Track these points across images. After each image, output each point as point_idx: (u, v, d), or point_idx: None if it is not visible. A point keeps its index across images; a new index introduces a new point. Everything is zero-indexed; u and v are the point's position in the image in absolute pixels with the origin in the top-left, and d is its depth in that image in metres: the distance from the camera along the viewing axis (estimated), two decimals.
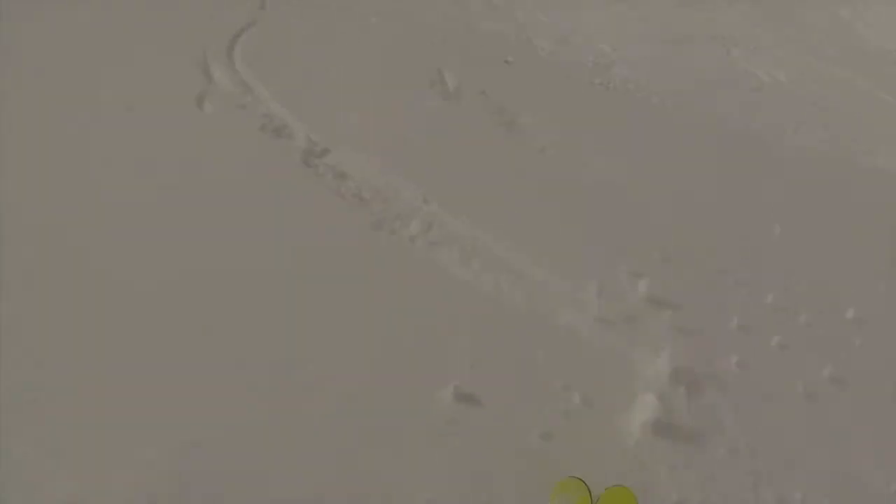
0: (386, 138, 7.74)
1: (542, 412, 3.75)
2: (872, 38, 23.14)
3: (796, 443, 3.76)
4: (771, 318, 4.95)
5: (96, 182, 6.00)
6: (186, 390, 3.63)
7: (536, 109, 9.88)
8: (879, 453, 3.76)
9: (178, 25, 12.86)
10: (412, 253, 5.53)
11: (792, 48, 21.09)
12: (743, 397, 4.08)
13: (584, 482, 3.01)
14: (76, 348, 3.87)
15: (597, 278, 5.26)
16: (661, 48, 18.93)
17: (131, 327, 4.04)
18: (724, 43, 20.61)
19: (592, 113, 11.17)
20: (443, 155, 7.52)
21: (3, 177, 5.70)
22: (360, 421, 3.51)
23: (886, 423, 4.08)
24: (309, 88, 9.33)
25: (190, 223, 5.48)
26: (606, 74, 15.58)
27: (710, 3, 23.92)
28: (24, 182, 5.68)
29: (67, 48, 11.12)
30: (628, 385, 4.02)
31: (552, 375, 4.07)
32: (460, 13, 19.46)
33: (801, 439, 3.79)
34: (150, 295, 4.33)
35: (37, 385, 3.46)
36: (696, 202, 7.23)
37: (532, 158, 8.03)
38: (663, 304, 4.95)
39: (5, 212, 4.99)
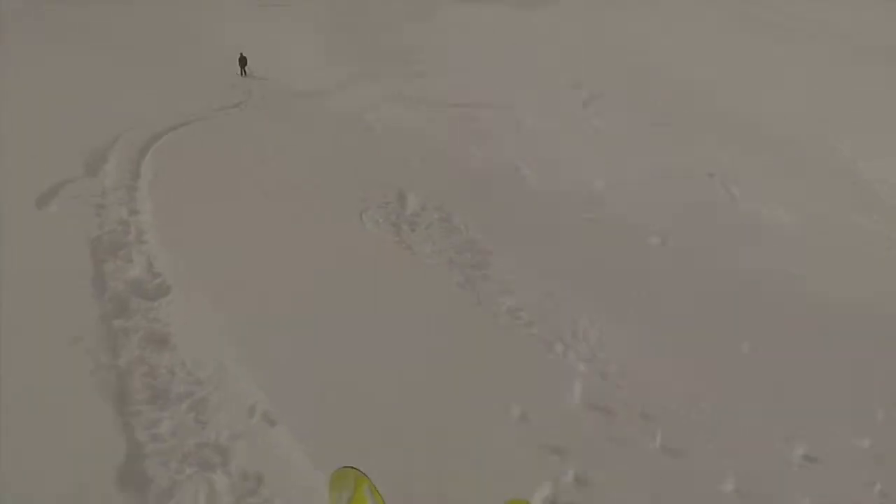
0: (267, 283, 4.66)
1: None
2: (872, 172, 20.98)
3: None
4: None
5: None
6: None
7: (514, 248, 6.77)
8: None
9: (125, 104, 10.58)
10: None
11: (793, 186, 18.89)
12: None
13: (357, 469, 2.58)
14: None
15: None
16: (657, 183, 16.56)
17: None
18: (723, 180, 18.42)
19: (582, 256, 8.25)
20: (344, 320, 4.28)
21: None
22: None
23: None
24: (208, 201, 6.38)
25: None
26: (599, 209, 13.02)
27: (704, 139, 21.98)
28: None
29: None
30: None
31: None
32: (441, 134, 17.22)
33: None
34: None
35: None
36: (698, 363, 5.39)
37: (491, 332, 4.76)
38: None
39: None
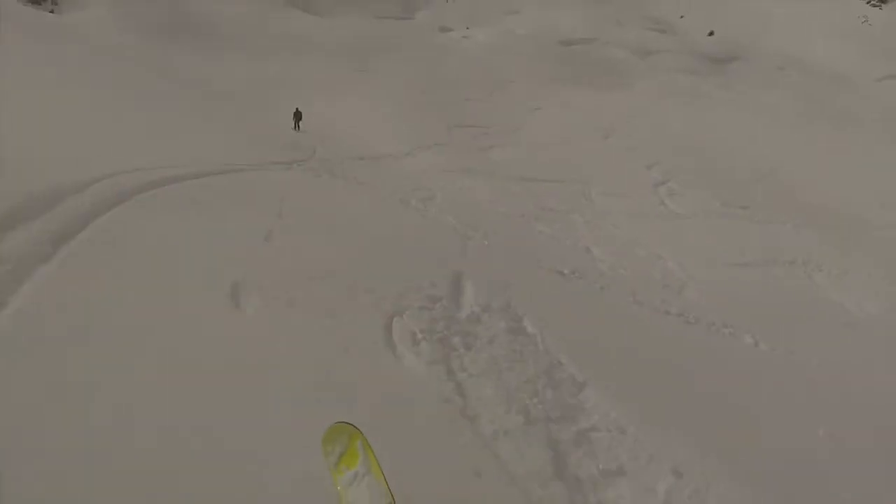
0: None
1: None
2: None
3: None
4: None
5: None
6: None
7: (606, 372, 4.73)
8: None
9: (153, 142, 9.12)
10: None
11: (876, 275, 16.55)
12: None
13: (350, 424, 2.54)
14: None
15: None
16: (736, 271, 14.57)
17: None
18: (805, 267, 16.23)
19: (687, 377, 6.28)
20: None
21: None
22: None
23: None
24: (137, 301, 3.80)
25: None
26: (680, 301, 11.05)
27: (779, 224, 19.82)
28: None
29: None
30: None
31: None
32: (507, 209, 15.56)
33: None
34: None
35: None
36: None
37: None
38: None
39: None
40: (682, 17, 53.62)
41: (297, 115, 22.97)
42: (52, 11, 29.99)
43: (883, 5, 51.72)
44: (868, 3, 52.75)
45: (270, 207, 7.34)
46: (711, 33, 49.83)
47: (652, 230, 16.37)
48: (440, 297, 5.19)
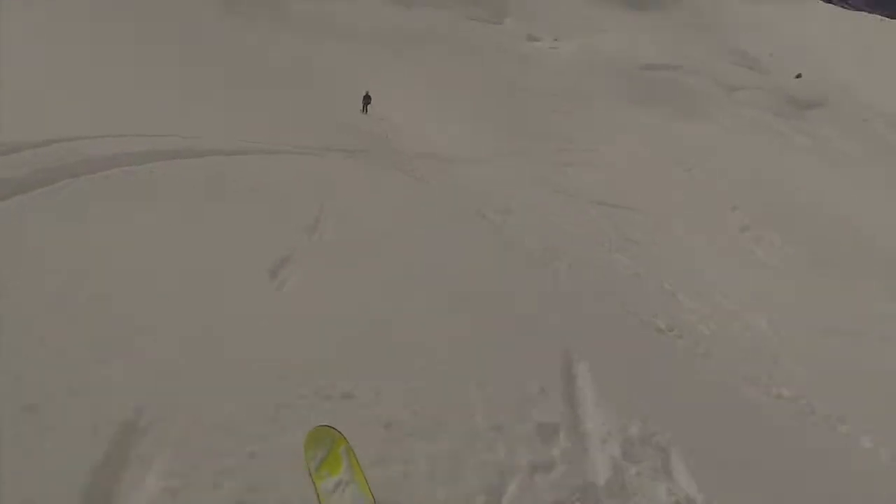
0: None
1: None
2: None
3: None
4: None
5: None
6: None
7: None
8: None
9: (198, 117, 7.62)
10: None
11: None
12: None
13: (333, 428, 2.24)
14: None
15: None
16: (830, 339, 12.48)
17: None
18: None
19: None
20: None
21: None
22: None
23: None
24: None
25: None
26: (784, 376, 9.16)
27: (867, 286, 17.37)
28: None
29: None
30: None
31: None
32: (584, 233, 13.70)
33: None
34: None
35: None
36: None
37: None
38: None
39: None
40: (770, 54, 50.36)
41: (367, 99, 22.05)
42: None
43: None
44: None
45: (307, 211, 5.60)
46: (799, 76, 46.51)
47: (739, 279, 14.30)
48: (556, 427, 3.05)
